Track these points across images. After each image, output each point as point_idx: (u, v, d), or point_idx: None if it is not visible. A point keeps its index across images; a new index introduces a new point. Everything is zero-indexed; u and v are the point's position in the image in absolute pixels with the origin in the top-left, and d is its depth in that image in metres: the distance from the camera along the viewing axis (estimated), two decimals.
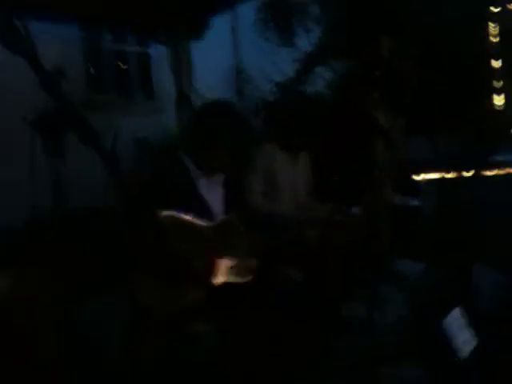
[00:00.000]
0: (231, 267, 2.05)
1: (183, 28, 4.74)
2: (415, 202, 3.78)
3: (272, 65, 5.63)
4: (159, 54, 5.32)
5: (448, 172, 4.40)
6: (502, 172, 4.40)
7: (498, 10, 5.28)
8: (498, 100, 5.32)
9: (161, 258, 1.87)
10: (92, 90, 5.32)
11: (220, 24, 5.18)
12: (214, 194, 2.22)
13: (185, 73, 4.77)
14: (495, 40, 5.35)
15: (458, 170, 4.40)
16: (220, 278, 2.00)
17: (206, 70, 5.05)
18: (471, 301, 1.83)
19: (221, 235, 2.05)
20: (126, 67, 5.37)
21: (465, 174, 4.39)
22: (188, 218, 1.98)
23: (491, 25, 5.42)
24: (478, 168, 4.48)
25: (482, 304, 1.95)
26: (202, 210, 2.10)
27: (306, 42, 5.93)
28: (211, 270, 1.98)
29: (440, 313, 1.65)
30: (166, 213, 1.91)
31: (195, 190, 2.16)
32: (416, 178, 4.15)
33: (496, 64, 5.44)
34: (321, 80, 5.64)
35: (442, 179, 4.31)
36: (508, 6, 5.20)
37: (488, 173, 4.36)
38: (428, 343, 1.67)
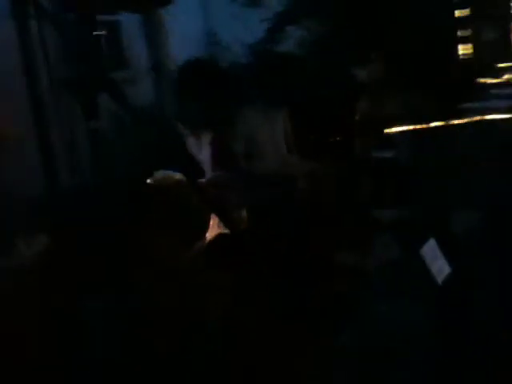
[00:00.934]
0: (223, 219, 2.19)
1: None
2: (389, 154, 3.93)
3: (243, 26, 5.64)
4: (131, 21, 5.28)
5: (419, 123, 4.56)
6: (472, 120, 4.59)
7: None
8: (466, 49, 5.44)
9: (164, 213, 1.99)
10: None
11: None
12: (203, 152, 2.35)
13: (159, 40, 4.78)
14: None
15: (429, 121, 4.56)
16: (214, 230, 2.14)
17: (178, 35, 5.06)
18: (446, 234, 2.00)
19: (212, 190, 2.18)
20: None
21: (435, 124, 4.56)
22: (181, 175, 2.11)
23: None
24: (448, 117, 4.65)
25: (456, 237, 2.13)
26: (195, 168, 2.23)
27: (275, 2, 5.94)
28: (207, 222, 2.11)
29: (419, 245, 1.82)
30: (162, 172, 2.04)
31: (186, 149, 2.28)
32: (389, 130, 4.30)
33: (461, 12, 5.54)
34: (292, 39, 5.68)
35: (414, 130, 4.47)
36: None
37: (459, 121, 4.54)
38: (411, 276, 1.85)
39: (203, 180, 2.23)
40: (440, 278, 1.79)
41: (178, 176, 2.14)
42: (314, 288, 2.33)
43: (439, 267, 1.80)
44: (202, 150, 2.36)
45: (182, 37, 5.22)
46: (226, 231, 2.24)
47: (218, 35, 6.00)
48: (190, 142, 2.33)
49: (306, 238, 2.66)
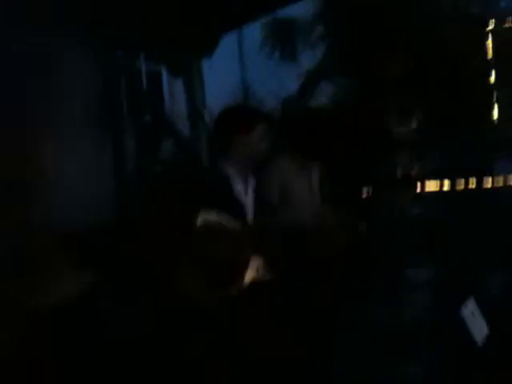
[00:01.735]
0: (257, 268, 2.21)
1: (195, 47, 4.93)
2: (425, 212, 3.92)
3: (278, 81, 5.83)
4: (172, 72, 5.49)
5: (451, 181, 4.58)
6: (505, 180, 4.58)
7: (495, 26, 5.50)
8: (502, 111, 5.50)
9: (201, 255, 2.03)
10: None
11: (228, 43, 5.39)
12: (248, 196, 2.42)
13: (197, 90, 4.96)
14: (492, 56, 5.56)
15: (464, 179, 4.57)
16: (249, 276, 2.16)
17: (216, 87, 5.24)
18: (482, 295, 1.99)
19: (252, 238, 2.22)
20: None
21: (471, 183, 4.56)
22: (225, 218, 2.15)
23: (489, 41, 5.64)
24: (479, 176, 4.65)
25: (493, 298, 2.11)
26: (238, 212, 2.29)
27: (309, 59, 6.13)
28: (243, 268, 2.13)
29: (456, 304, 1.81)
30: (206, 214, 2.09)
31: (232, 193, 2.36)
32: (426, 188, 4.32)
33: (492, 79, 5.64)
34: (324, 95, 5.83)
35: (450, 189, 4.48)
36: (503, 23, 5.41)
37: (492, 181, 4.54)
38: (445, 333, 1.83)
39: (245, 226, 2.28)
40: (479, 339, 1.76)
41: (221, 217, 2.18)
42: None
43: (479, 328, 1.78)
44: (247, 196, 2.44)
45: (220, 89, 5.40)
46: (259, 280, 2.25)
47: (254, 89, 6.20)
48: (237, 187, 2.41)
49: (337, 290, 2.65)
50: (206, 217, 2.13)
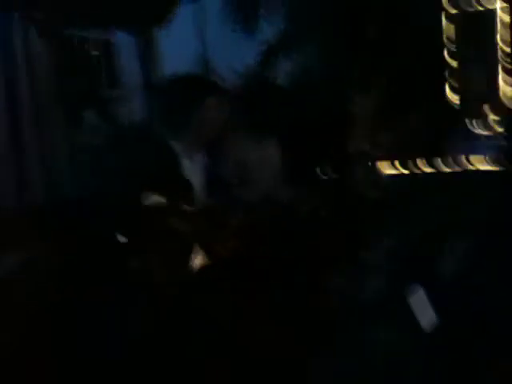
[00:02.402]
0: (209, 250, 2.14)
1: (150, 16, 4.74)
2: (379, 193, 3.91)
3: (236, 54, 5.67)
4: (125, 42, 5.29)
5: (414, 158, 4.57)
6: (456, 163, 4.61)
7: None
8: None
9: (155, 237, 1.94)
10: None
11: (186, 12, 5.20)
12: (196, 175, 2.32)
13: (152, 61, 4.78)
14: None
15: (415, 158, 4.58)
16: (200, 260, 2.08)
17: (172, 58, 5.06)
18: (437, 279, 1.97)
19: (201, 220, 2.13)
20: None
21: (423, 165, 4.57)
22: (172, 201, 2.06)
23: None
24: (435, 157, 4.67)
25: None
26: (187, 191, 2.19)
27: (270, 32, 5.99)
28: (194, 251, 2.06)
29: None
30: (151, 197, 1.99)
31: (180, 171, 2.25)
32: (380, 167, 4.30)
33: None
34: (285, 69, 5.72)
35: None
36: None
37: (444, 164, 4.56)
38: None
39: (194, 207, 2.19)
40: (427, 327, 1.75)
41: (167, 201, 2.09)
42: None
43: (427, 316, 1.76)
44: (196, 173, 2.34)
45: (175, 59, 5.22)
46: (210, 262, 2.19)
47: (212, 61, 6.03)
48: (185, 163, 2.29)
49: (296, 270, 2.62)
50: (150, 197, 2.03)
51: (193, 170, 2.35)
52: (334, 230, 2.89)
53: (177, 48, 5.26)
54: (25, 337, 1.79)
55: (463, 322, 1.84)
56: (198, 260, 2.15)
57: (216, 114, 2.35)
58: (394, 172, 4.33)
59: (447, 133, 4.88)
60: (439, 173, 4.32)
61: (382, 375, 1.92)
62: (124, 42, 5.30)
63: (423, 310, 1.73)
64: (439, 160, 4.45)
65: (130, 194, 2.07)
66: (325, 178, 3.77)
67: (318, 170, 3.78)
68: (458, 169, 4.37)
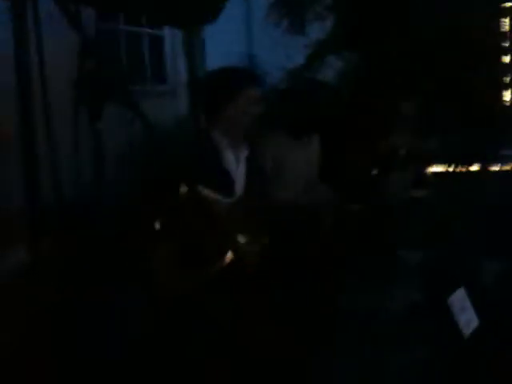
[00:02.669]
0: (240, 247, 2.10)
1: (198, 13, 4.76)
2: (423, 194, 3.82)
3: (283, 52, 5.65)
4: (173, 37, 5.35)
5: (456, 165, 4.44)
6: (508, 167, 4.45)
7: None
8: (505, 95, 5.33)
9: (181, 233, 1.93)
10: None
11: (233, 9, 5.21)
12: (239, 170, 2.30)
13: (198, 58, 4.81)
14: (507, 35, 5.35)
15: (465, 164, 4.44)
16: (229, 256, 2.05)
17: (219, 55, 5.09)
18: (475, 283, 1.89)
19: (236, 214, 2.11)
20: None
21: (472, 168, 4.43)
22: (210, 194, 2.04)
23: (505, 20, 5.43)
24: (485, 162, 4.52)
25: (484, 289, 2.01)
26: (229, 185, 2.17)
27: (318, 31, 5.93)
28: (224, 248, 2.03)
29: (445, 293, 1.71)
30: (189, 188, 1.98)
31: (222, 164, 2.23)
32: (425, 170, 4.19)
33: (506, 59, 5.44)
34: (331, 69, 5.66)
35: (452, 173, 4.35)
36: None
37: (496, 167, 4.41)
38: (435, 323, 1.74)
39: (234, 200, 2.17)
40: (467, 331, 1.66)
41: (207, 192, 2.07)
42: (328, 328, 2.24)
43: (467, 319, 1.68)
44: (238, 169, 2.32)
45: (221, 56, 5.24)
46: (241, 259, 2.15)
47: (259, 58, 6.02)
48: (228, 156, 2.28)
49: (325, 273, 2.57)
50: (192, 190, 2.02)
51: (235, 163, 2.33)
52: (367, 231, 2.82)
53: (223, 45, 5.29)
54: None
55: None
56: (229, 256, 2.11)
57: (256, 104, 2.31)
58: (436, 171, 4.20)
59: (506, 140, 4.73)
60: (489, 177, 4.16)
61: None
62: (172, 38, 5.37)
63: (464, 311, 1.65)
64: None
65: (170, 186, 2.06)
66: (365, 179, 3.68)
67: (358, 170, 3.70)
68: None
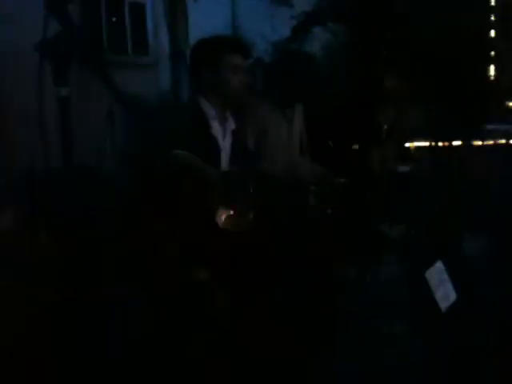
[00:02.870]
0: (230, 216, 2.08)
1: None
2: (406, 169, 3.83)
3: (268, 23, 5.56)
4: (155, 6, 5.22)
5: (439, 140, 4.44)
6: (492, 142, 4.46)
7: None
8: (491, 70, 5.31)
9: (173, 198, 1.91)
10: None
11: None
12: (225, 141, 2.29)
13: (180, 28, 4.71)
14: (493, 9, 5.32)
15: (449, 138, 4.44)
16: (219, 224, 2.03)
17: (202, 26, 4.98)
18: (454, 258, 1.89)
19: (226, 184, 2.09)
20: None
21: (455, 142, 4.43)
22: (199, 160, 2.02)
23: None
24: (469, 137, 4.52)
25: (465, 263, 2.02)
26: (215, 153, 2.16)
27: (302, 2, 5.84)
28: (215, 215, 2.01)
29: (423, 266, 1.71)
30: (179, 152, 1.95)
31: (210, 132, 2.20)
32: (408, 145, 4.19)
33: (492, 33, 5.42)
34: (317, 41, 5.58)
35: (433, 147, 4.35)
36: None
37: (479, 142, 4.42)
38: (414, 297, 1.74)
39: (220, 170, 2.15)
40: (444, 305, 1.67)
41: (195, 158, 2.04)
42: (311, 299, 2.25)
43: (444, 293, 1.68)
44: (224, 139, 2.29)
45: (206, 28, 5.11)
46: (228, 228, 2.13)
47: (243, 29, 5.92)
48: (214, 126, 2.25)
49: (309, 246, 2.57)
50: (181, 155, 1.99)
51: (221, 134, 2.31)
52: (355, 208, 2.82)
53: (207, 16, 5.17)
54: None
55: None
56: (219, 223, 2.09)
57: (239, 72, 2.28)
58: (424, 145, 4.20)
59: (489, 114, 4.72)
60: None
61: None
62: (154, 7, 5.24)
63: (441, 285, 1.65)
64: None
65: (156, 155, 2.03)
66: (351, 154, 3.67)
67: (342, 144, 3.68)
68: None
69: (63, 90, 1.50)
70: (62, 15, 1.43)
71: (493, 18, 5.36)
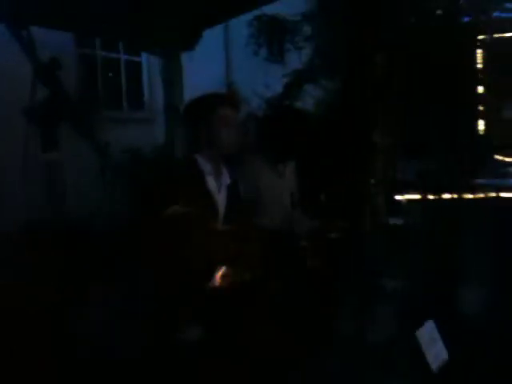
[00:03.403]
0: (226, 272, 2.07)
1: (176, 39, 4.78)
2: (397, 221, 3.83)
3: (262, 80, 5.69)
4: (151, 63, 5.34)
5: (430, 193, 4.47)
6: (482, 195, 4.48)
7: (486, 37, 5.42)
8: (479, 124, 5.42)
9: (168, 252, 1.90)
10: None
11: (212, 37, 5.24)
12: (220, 196, 2.32)
13: (176, 84, 4.80)
14: (481, 66, 5.48)
15: (440, 192, 4.47)
16: (215, 282, 2.02)
17: (197, 82, 5.10)
18: (447, 316, 1.86)
19: (224, 240, 2.10)
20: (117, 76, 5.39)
21: (446, 196, 4.46)
22: (197, 215, 2.03)
23: (479, 51, 5.56)
24: (460, 191, 4.54)
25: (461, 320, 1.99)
26: (211, 209, 2.19)
27: (296, 60, 6.00)
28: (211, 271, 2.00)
29: (415, 325, 1.68)
30: (175, 208, 1.96)
31: (206, 188, 2.24)
32: (399, 197, 4.21)
33: (480, 90, 5.55)
34: (310, 97, 5.71)
35: (424, 200, 4.37)
36: (494, 34, 5.32)
37: (469, 196, 4.44)
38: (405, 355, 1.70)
39: (218, 224, 2.16)
40: (435, 365, 1.63)
41: (190, 212, 2.05)
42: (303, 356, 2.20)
43: (436, 352, 1.64)
44: (219, 194, 2.31)
45: (201, 84, 5.22)
46: (227, 281, 2.12)
47: (237, 86, 6.05)
48: (209, 181, 2.27)
49: (303, 298, 2.55)
50: (177, 210, 1.99)
51: (217, 189, 2.33)
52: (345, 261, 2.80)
53: (201, 72, 5.30)
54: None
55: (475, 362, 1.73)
56: (217, 279, 2.08)
57: (231, 126, 2.33)
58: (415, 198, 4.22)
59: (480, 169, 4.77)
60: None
61: None
62: (150, 64, 5.36)
63: (432, 346, 1.62)
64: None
65: (151, 211, 2.04)
66: (341, 206, 3.67)
67: (335, 198, 3.69)
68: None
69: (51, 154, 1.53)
70: (51, 81, 1.47)
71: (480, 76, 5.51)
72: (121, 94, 5.48)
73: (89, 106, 4.36)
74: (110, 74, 5.24)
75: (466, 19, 5.21)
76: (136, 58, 5.63)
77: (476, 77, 5.64)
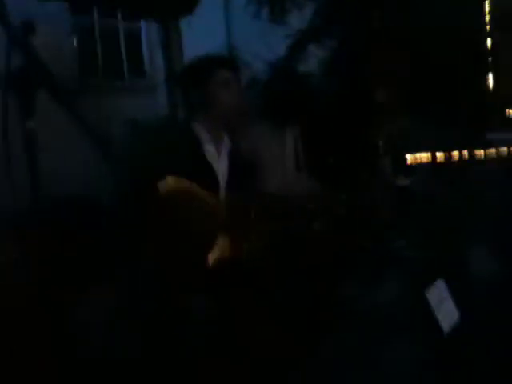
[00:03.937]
0: (224, 242, 2.04)
1: (175, 4, 4.67)
2: (406, 182, 3.78)
3: (264, 42, 5.55)
4: (151, 30, 5.24)
5: (440, 151, 4.39)
6: (493, 151, 4.40)
7: None
8: (489, 78, 5.29)
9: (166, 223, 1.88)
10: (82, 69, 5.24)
11: (212, 1, 5.12)
12: (220, 164, 2.25)
13: (176, 50, 4.71)
14: (489, 19, 5.31)
15: (450, 149, 4.39)
16: (215, 253, 1.99)
17: (197, 47, 4.99)
18: (457, 276, 1.83)
19: (223, 209, 2.06)
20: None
21: (456, 153, 4.38)
22: (193, 185, 1.98)
23: (487, 3, 5.39)
24: (470, 147, 4.47)
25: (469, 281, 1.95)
26: (209, 177, 2.14)
27: (298, 20, 5.84)
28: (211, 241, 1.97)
29: (425, 285, 1.65)
30: (172, 178, 1.92)
31: (204, 157, 2.17)
32: (408, 157, 4.14)
33: (489, 43, 5.40)
34: (313, 58, 5.58)
35: (434, 158, 4.30)
36: None
37: (480, 152, 4.36)
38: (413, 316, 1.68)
39: (217, 193, 2.11)
40: (446, 325, 1.60)
41: (189, 184, 2.00)
42: (312, 319, 2.20)
43: (446, 313, 1.61)
44: (219, 160, 2.24)
45: (201, 49, 5.10)
46: (227, 254, 2.09)
47: (238, 50, 5.91)
48: (209, 149, 2.21)
49: (309, 263, 2.52)
50: (173, 182, 1.95)
51: (216, 157, 2.26)
52: (353, 225, 2.76)
53: (201, 36, 5.18)
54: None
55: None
56: (215, 253, 2.05)
57: (230, 89, 2.24)
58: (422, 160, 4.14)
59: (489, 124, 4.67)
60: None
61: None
62: (151, 32, 5.25)
63: (442, 306, 1.58)
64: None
65: (150, 181, 1.99)
66: (348, 168, 3.62)
67: (341, 160, 3.64)
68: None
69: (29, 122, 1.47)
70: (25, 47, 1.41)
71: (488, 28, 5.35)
72: (121, 62, 5.40)
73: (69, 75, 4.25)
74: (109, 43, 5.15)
75: None
76: (135, 25, 5.52)
77: (484, 30, 5.48)
